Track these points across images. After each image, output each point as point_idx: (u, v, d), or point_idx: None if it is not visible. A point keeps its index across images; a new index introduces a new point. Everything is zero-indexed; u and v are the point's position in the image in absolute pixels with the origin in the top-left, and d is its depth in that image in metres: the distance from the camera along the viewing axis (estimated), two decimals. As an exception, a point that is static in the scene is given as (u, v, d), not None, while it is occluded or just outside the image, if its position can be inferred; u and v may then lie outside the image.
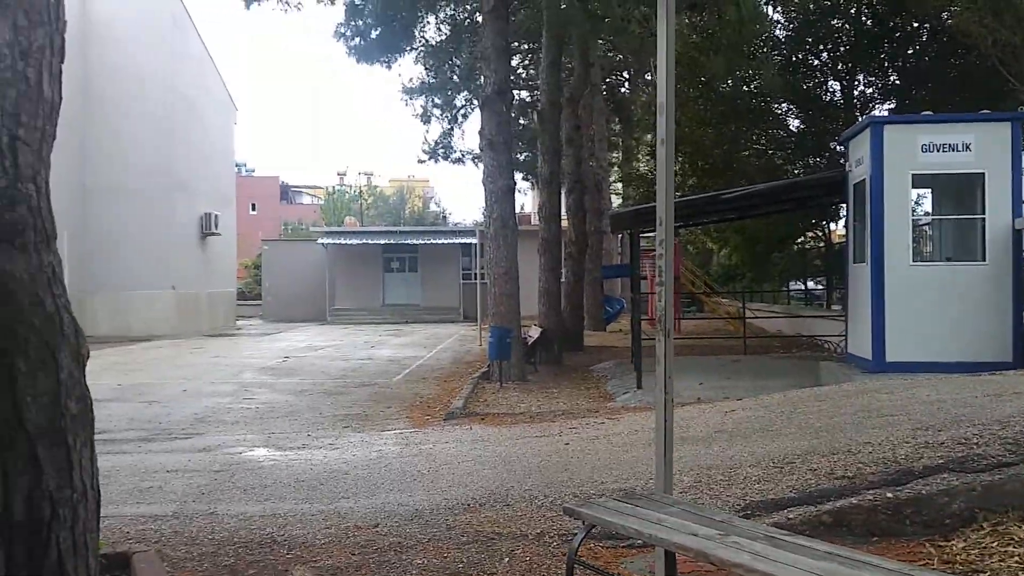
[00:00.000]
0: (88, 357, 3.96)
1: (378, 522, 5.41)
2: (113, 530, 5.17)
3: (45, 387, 3.70)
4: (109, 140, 24.01)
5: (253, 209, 63.89)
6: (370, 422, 9.85)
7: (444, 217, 64.13)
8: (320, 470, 7.09)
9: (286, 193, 76.78)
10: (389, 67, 20.35)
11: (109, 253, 23.57)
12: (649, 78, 28.56)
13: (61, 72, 4.04)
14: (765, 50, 20.34)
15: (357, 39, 17.98)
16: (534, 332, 15.84)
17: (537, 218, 21.43)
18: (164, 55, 25.68)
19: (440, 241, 35.65)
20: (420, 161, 33.42)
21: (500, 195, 14.04)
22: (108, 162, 23.95)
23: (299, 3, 16.96)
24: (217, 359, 18.08)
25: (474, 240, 29.59)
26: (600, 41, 20.83)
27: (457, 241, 35.24)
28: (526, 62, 29.13)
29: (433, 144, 30.36)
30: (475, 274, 28.83)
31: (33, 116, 3.84)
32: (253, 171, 74.46)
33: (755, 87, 21.25)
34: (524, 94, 29.69)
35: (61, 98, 4.04)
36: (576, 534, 4.31)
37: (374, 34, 17.90)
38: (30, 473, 3.64)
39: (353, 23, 17.79)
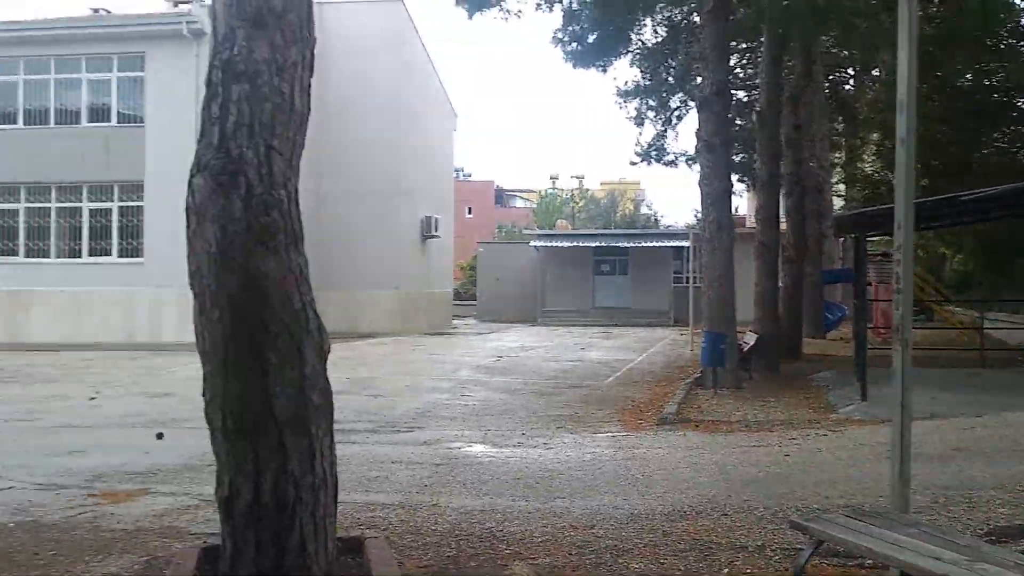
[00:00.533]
0: (329, 352, 4.24)
1: (594, 523, 5.44)
2: (345, 515, 5.48)
3: (292, 379, 3.99)
4: (341, 148, 25.53)
5: (469, 212, 65.96)
6: (582, 424, 9.92)
7: (655, 220, 63.61)
8: (535, 469, 7.22)
9: (500, 197, 78.80)
10: (604, 71, 20.40)
11: (339, 255, 25.07)
12: (876, 74, 27.03)
13: (310, 86, 4.36)
14: (1011, 41, 18.71)
15: (574, 44, 18.16)
16: (749, 338, 15.36)
17: (753, 220, 20.81)
18: (391, 65, 27.01)
19: (651, 244, 35.36)
20: (632, 164, 33.31)
21: (716, 197, 13.73)
22: (340, 169, 25.47)
23: (519, 11, 17.39)
24: (435, 357, 18.81)
25: (686, 243, 29.14)
26: (824, 38, 19.93)
27: (668, 244, 34.82)
28: (744, 61, 28.34)
29: (646, 146, 30.17)
30: (686, 277, 28.41)
31: (286, 127, 4.16)
32: (470, 176, 76.90)
33: (998, 81, 19.61)
34: (741, 94, 28.91)
35: (309, 110, 4.35)
36: (802, 549, 4.16)
37: (591, 38, 18.01)
38: (277, 459, 3.93)
39: (570, 28, 17.99)
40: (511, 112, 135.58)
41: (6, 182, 22.48)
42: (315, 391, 4.08)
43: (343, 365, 15.10)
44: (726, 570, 4.57)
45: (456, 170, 43.74)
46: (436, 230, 29.33)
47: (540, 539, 5.13)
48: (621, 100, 28.66)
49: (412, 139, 28.05)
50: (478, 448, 8.30)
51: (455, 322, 33.03)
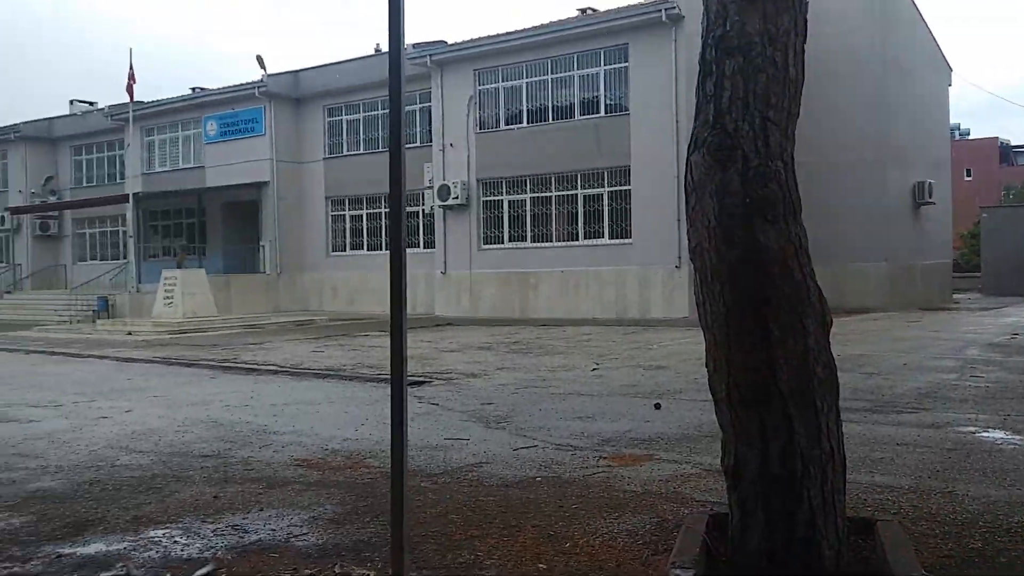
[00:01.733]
0: (831, 325, 4.10)
1: None
2: (849, 496, 5.25)
3: (795, 351, 3.93)
4: (823, 116, 24.46)
5: (968, 175, 59.69)
6: None
7: None
8: (1072, 460, 6.31)
9: (1006, 155, 70.01)
10: None
11: (822, 227, 24.09)
12: None
13: (803, 53, 4.23)
14: None
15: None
16: None
17: None
18: (875, 25, 25.35)
19: None
20: None
21: None
22: (822, 137, 24.40)
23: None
24: (935, 333, 17.35)
25: None
26: None
27: None
28: None
29: None
30: None
31: (780, 97, 4.09)
32: (967, 133, 69.53)
33: None
34: None
35: (803, 78, 4.23)
36: None
37: None
38: (783, 431, 3.90)
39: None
40: (1016, 60, 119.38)
41: (514, 176, 25.31)
42: (819, 364, 3.98)
43: (833, 341, 14.52)
44: None
45: (952, 128, 39.84)
46: (930, 196, 26.97)
47: (1087, 541, 4.46)
48: None
49: (900, 99, 26.06)
50: (997, 434, 7.46)
51: (956, 296, 30.12)
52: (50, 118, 38.25)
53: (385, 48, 4.04)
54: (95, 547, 4.82)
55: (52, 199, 36.70)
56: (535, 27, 25.19)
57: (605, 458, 6.79)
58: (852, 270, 24.65)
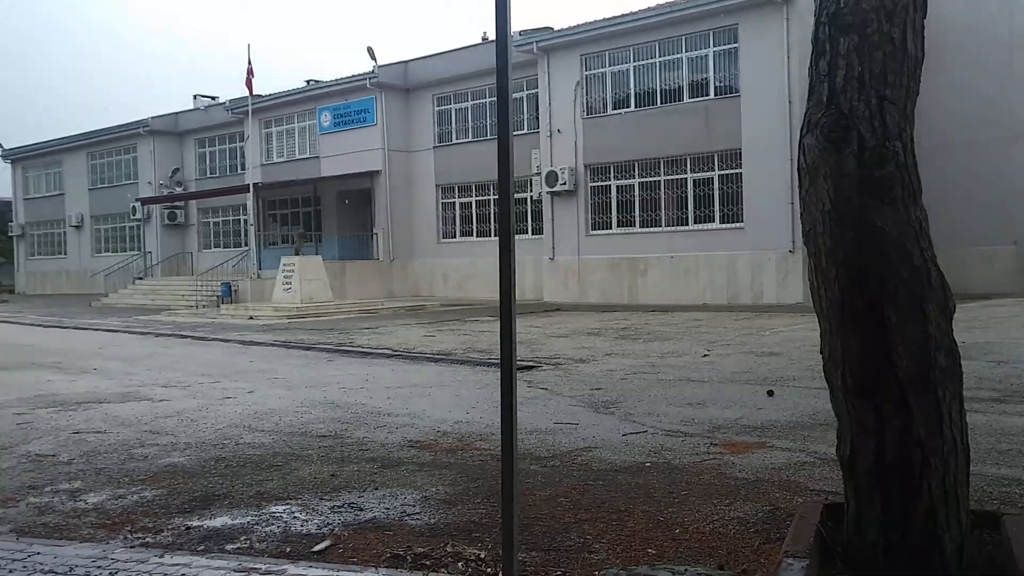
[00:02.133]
0: (954, 311, 3.96)
1: None
2: (974, 488, 5.06)
3: (914, 337, 3.81)
4: (943, 94, 23.41)
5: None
6: None
7: None
8: None
9: None
10: None
11: (940, 209, 23.11)
12: None
13: (923, 28, 4.07)
14: None
15: None
16: None
17: None
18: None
19: None
20: None
21: None
22: (942, 116, 23.40)
23: None
24: (1069, 319, 16.47)
25: None
26: None
27: None
28: None
29: None
30: None
31: (898, 75, 3.95)
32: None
33: None
34: None
35: (923, 54, 4.07)
36: None
37: None
38: (900, 419, 3.79)
39: None
40: None
41: (622, 161, 25.13)
42: (941, 351, 3.84)
43: (957, 327, 13.88)
44: None
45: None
46: (1065, 174, 25.50)
47: None
48: None
49: (1028, 74, 24.68)
50: None
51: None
52: (176, 113, 40.08)
53: (492, 36, 4.09)
54: (221, 520, 5.07)
55: (179, 190, 38.47)
56: (642, 10, 24.90)
57: (716, 445, 6.72)
58: (976, 254, 23.56)
